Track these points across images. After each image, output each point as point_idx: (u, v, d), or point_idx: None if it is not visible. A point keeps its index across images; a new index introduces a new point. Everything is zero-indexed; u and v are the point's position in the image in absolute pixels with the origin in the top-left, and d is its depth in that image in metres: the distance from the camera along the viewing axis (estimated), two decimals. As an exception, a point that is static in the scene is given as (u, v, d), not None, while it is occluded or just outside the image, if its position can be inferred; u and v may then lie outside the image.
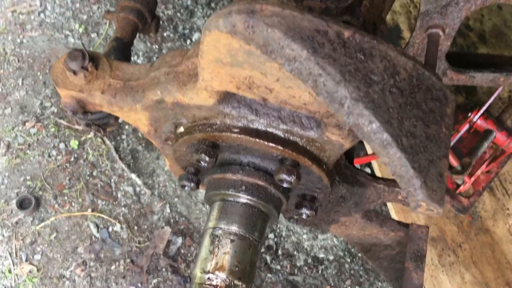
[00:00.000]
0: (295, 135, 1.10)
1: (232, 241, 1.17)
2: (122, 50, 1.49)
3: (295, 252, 2.52)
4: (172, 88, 1.14)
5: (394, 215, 2.34)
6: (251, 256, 1.19)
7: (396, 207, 2.36)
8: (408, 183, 0.78)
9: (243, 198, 1.20)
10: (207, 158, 1.15)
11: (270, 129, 1.10)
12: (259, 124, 1.10)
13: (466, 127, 2.30)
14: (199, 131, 1.16)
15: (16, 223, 2.46)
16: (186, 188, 1.30)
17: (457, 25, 1.38)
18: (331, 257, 2.52)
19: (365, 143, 2.06)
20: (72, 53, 1.22)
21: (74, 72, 1.23)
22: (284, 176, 1.11)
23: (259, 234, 1.21)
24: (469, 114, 2.28)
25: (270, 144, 1.10)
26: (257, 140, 1.10)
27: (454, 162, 2.20)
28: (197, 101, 1.11)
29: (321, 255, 2.51)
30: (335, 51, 0.79)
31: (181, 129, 1.24)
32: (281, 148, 1.10)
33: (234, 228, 1.19)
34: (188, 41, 3.05)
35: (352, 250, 2.52)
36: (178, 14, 3.11)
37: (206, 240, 1.20)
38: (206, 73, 1.00)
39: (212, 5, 3.16)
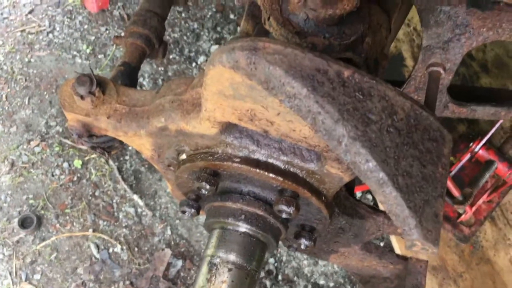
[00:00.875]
0: (295, 167, 1.11)
1: (229, 270, 1.18)
2: (129, 74, 1.52)
3: (295, 278, 2.51)
4: (176, 116, 1.16)
5: (395, 245, 2.34)
6: (248, 286, 1.19)
7: (398, 237, 2.36)
8: (403, 222, 0.79)
9: (242, 227, 1.21)
10: (207, 186, 1.16)
11: (270, 160, 1.12)
12: (260, 154, 1.12)
13: (467, 156, 2.31)
14: (201, 159, 1.18)
15: (17, 242, 2.46)
16: (187, 214, 1.31)
17: (458, 60, 1.40)
18: (331, 284, 2.51)
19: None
20: (80, 78, 1.24)
21: (82, 97, 1.25)
22: (283, 207, 1.12)
23: (257, 264, 1.22)
24: (471, 144, 2.29)
25: (271, 175, 1.11)
26: (258, 170, 1.11)
27: (455, 192, 2.21)
28: (200, 130, 1.13)
29: (322, 282, 2.50)
30: (335, 90, 0.81)
31: (184, 156, 1.25)
32: (281, 179, 1.11)
33: (232, 257, 1.19)
34: (194, 64, 3.09)
35: (352, 277, 2.51)
36: (185, 37, 3.15)
37: (204, 268, 1.20)
38: (209, 104, 1.02)
39: (218, 29, 3.21)
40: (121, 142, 1.49)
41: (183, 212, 1.31)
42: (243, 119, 1.04)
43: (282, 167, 1.12)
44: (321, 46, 1.05)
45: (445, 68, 1.32)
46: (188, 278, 2.48)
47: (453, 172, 2.31)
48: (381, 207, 2.36)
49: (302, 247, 1.27)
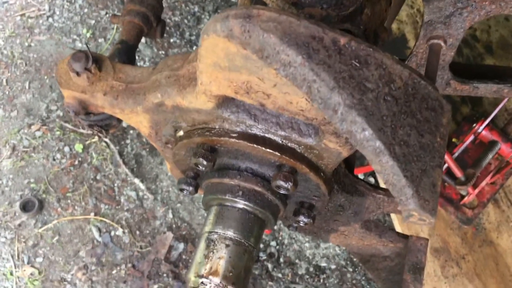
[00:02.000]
0: (293, 142, 1.09)
1: (227, 246, 1.17)
2: (126, 52, 1.51)
3: (297, 260, 2.50)
4: (172, 91, 1.14)
5: (397, 225, 2.33)
6: (246, 261, 1.18)
7: (400, 217, 2.35)
8: (400, 192, 0.77)
9: (240, 204, 1.19)
10: (205, 162, 1.15)
11: (268, 135, 1.10)
12: (258, 129, 1.10)
13: (471, 138, 2.29)
14: (198, 135, 1.16)
15: (19, 225, 2.47)
16: (185, 192, 1.30)
17: (460, 35, 1.37)
18: (333, 266, 2.50)
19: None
20: (76, 54, 1.23)
21: (77, 73, 1.24)
22: (281, 183, 1.10)
23: (255, 240, 1.21)
24: (474, 125, 2.26)
25: (268, 150, 1.09)
26: (255, 145, 1.10)
27: (458, 173, 2.19)
28: (196, 104, 1.11)
29: (323, 264, 2.50)
30: (330, 57, 0.79)
31: (181, 133, 1.24)
32: (279, 154, 1.09)
33: (230, 233, 1.18)
34: (195, 47, 3.06)
35: (354, 259, 2.51)
36: (185, 21, 3.12)
37: (202, 244, 1.20)
38: (205, 77, 1.01)
39: (219, 12, 3.18)
40: (119, 120, 1.48)
41: (181, 190, 1.30)
42: (239, 92, 1.02)
43: (280, 142, 1.10)
44: (319, 17, 1.03)
45: (445, 41, 1.29)
46: (190, 261, 2.47)
47: (456, 154, 2.29)
48: (381, 184, 2.35)
49: (301, 224, 1.26)
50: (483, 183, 2.32)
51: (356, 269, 2.49)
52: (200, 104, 1.10)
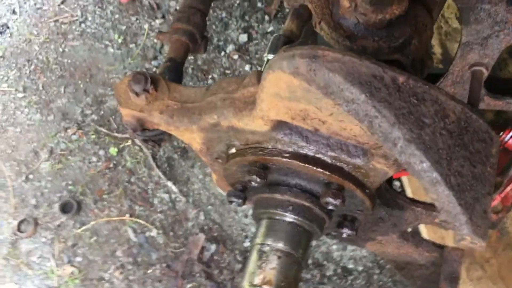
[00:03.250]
0: (341, 162, 1.17)
1: (278, 257, 1.25)
2: (175, 70, 1.58)
3: (324, 262, 2.59)
4: (228, 113, 1.22)
5: (423, 231, 2.40)
6: (296, 272, 1.26)
7: (428, 226, 2.42)
8: (454, 219, 0.85)
9: (290, 218, 1.27)
10: (258, 179, 1.23)
11: (318, 155, 1.18)
12: (309, 150, 1.18)
13: (496, 145, 2.35)
14: (251, 154, 1.24)
15: (59, 226, 2.58)
16: (234, 204, 1.39)
17: (496, 56, 1.44)
18: (360, 268, 2.59)
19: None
20: (136, 76, 1.31)
21: (137, 94, 1.32)
22: (330, 200, 1.18)
23: (303, 251, 1.29)
24: (502, 133, 2.32)
25: (318, 169, 1.17)
26: (306, 165, 1.18)
27: (484, 180, 2.25)
28: (252, 127, 1.19)
29: (350, 266, 2.58)
30: (391, 95, 0.87)
31: (233, 150, 1.32)
32: (328, 173, 1.17)
33: (280, 245, 1.26)
34: (222, 53, 3.14)
35: (381, 261, 2.59)
36: (213, 26, 3.20)
37: (254, 255, 1.28)
38: (265, 104, 1.09)
39: (246, 17, 3.26)
40: (169, 135, 1.56)
41: (231, 202, 1.39)
42: (296, 118, 1.10)
43: (329, 161, 1.18)
44: (371, 49, 1.10)
45: (488, 68, 1.36)
46: (221, 261, 2.58)
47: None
48: (407, 189, 2.42)
49: (344, 236, 1.34)
50: (508, 189, 2.38)
51: (383, 271, 2.57)
52: (256, 127, 1.18)
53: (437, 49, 2.97)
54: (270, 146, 1.21)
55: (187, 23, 1.64)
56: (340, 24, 1.13)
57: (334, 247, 2.63)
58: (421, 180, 0.86)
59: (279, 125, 1.17)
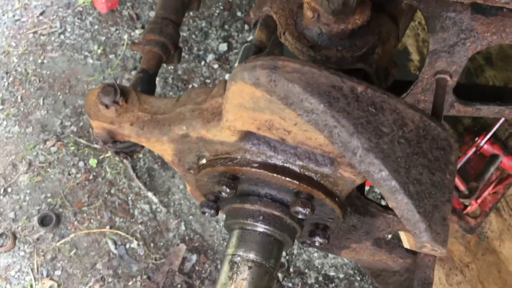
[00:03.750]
0: (310, 171, 1.18)
1: (249, 267, 1.25)
2: (148, 81, 1.59)
3: (306, 270, 2.59)
4: (197, 124, 1.23)
5: (404, 240, 2.41)
6: (267, 282, 1.26)
7: (407, 234, 2.43)
8: (414, 226, 0.86)
9: (261, 228, 1.27)
10: (228, 190, 1.23)
11: (287, 165, 1.18)
12: (277, 159, 1.18)
13: (472, 150, 2.37)
14: (221, 164, 1.25)
15: (37, 239, 2.55)
16: (207, 214, 1.38)
17: (463, 63, 1.46)
18: (341, 275, 2.59)
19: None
20: (105, 88, 1.31)
21: (106, 106, 1.32)
22: (299, 209, 1.19)
23: (275, 261, 1.29)
24: (476, 138, 2.35)
25: (287, 179, 1.18)
26: (275, 175, 1.18)
27: (461, 186, 2.27)
28: (220, 137, 1.20)
29: (332, 273, 2.58)
30: (349, 105, 0.87)
31: (204, 161, 1.33)
32: (297, 182, 1.18)
33: (252, 255, 1.26)
34: (203, 62, 3.15)
35: (362, 269, 2.60)
36: (193, 36, 3.21)
37: (225, 266, 1.28)
38: (230, 115, 1.09)
39: (226, 27, 3.27)
40: (141, 146, 1.56)
41: (203, 212, 1.38)
42: (262, 128, 1.10)
43: (298, 171, 1.18)
44: (334, 58, 1.11)
45: (451, 75, 1.38)
46: (203, 271, 2.56)
47: (458, 166, 2.37)
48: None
49: (316, 244, 1.34)
50: (485, 194, 2.40)
51: (364, 278, 2.58)
52: (224, 137, 1.19)
53: (414, 56, 3.00)
54: (239, 157, 1.22)
55: (160, 34, 1.64)
56: (304, 34, 1.14)
57: (316, 255, 2.63)
58: (380, 189, 0.87)
59: (247, 136, 1.17)
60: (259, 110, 1.03)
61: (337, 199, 1.23)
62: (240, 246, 1.28)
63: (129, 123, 1.35)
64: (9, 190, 2.67)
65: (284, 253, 2.63)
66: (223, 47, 3.18)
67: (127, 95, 1.36)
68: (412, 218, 0.85)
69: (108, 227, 2.61)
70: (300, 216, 1.21)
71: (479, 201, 2.37)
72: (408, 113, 0.90)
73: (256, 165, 1.20)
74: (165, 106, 1.36)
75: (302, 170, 1.18)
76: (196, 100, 1.27)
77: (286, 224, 1.28)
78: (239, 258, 1.26)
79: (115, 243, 2.57)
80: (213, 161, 1.27)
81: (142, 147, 1.55)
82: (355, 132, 0.86)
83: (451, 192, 0.90)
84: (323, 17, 1.07)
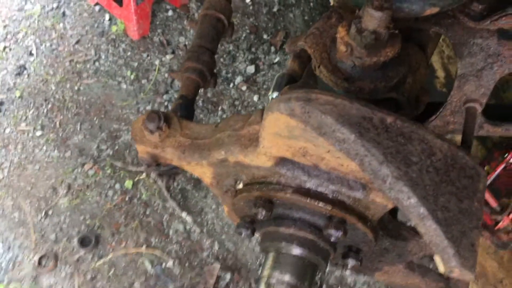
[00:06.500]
0: (342, 195, 1.23)
1: (285, 289, 1.30)
2: (186, 107, 1.66)
3: (338, 287, 2.61)
4: (235, 149, 1.29)
5: (439, 264, 2.41)
6: (301, 304, 1.31)
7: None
8: (442, 252, 0.90)
9: (295, 251, 1.32)
10: (263, 212, 1.29)
11: (320, 189, 1.23)
12: (311, 184, 1.24)
13: (502, 166, 2.38)
14: (257, 190, 1.30)
15: (77, 260, 2.65)
16: (243, 235, 1.44)
17: (491, 86, 1.49)
18: (373, 293, 2.60)
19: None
20: (150, 115, 1.39)
21: (151, 132, 1.40)
22: (332, 232, 1.23)
23: (309, 283, 1.34)
24: (506, 155, 2.36)
25: (320, 204, 1.23)
26: (308, 200, 1.23)
27: (493, 202, 2.28)
28: (257, 162, 1.26)
29: (364, 291, 2.60)
30: (379, 135, 0.93)
31: (241, 185, 1.39)
32: (330, 207, 1.23)
33: (287, 277, 1.31)
34: (231, 84, 3.23)
35: (394, 286, 2.61)
36: (221, 59, 3.30)
37: (262, 287, 1.33)
38: (266, 142, 1.15)
39: (253, 49, 3.35)
40: (182, 169, 1.64)
41: (240, 233, 1.45)
42: (296, 155, 1.16)
43: (331, 196, 1.23)
44: (368, 89, 1.17)
45: (481, 104, 1.41)
46: (237, 290, 2.62)
47: (488, 182, 2.38)
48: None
49: (349, 266, 1.39)
50: (517, 209, 2.40)
51: (397, 296, 2.59)
52: (260, 163, 1.25)
53: (440, 73, 3.02)
54: (274, 181, 1.27)
55: (197, 62, 1.72)
56: (338, 67, 1.19)
57: (348, 272, 2.65)
58: (410, 215, 0.91)
59: (282, 161, 1.23)
60: (294, 138, 1.09)
61: (369, 223, 1.27)
62: (275, 268, 1.33)
63: (171, 148, 1.43)
64: (50, 212, 2.78)
65: (316, 272, 2.66)
66: (251, 69, 3.26)
67: (169, 121, 1.44)
68: (441, 244, 0.90)
69: (144, 247, 2.69)
70: (332, 239, 1.26)
71: (511, 216, 2.37)
72: (436, 143, 0.94)
73: (290, 190, 1.25)
74: (205, 131, 1.43)
75: (335, 194, 1.23)
76: (234, 126, 1.33)
77: (319, 247, 1.32)
78: (274, 280, 1.31)
79: (151, 262, 2.65)
80: (249, 186, 1.33)
81: (183, 170, 1.62)
82: (385, 161, 0.91)
83: (480, 219, 0.94)
84: (356, 51, 1.13)
